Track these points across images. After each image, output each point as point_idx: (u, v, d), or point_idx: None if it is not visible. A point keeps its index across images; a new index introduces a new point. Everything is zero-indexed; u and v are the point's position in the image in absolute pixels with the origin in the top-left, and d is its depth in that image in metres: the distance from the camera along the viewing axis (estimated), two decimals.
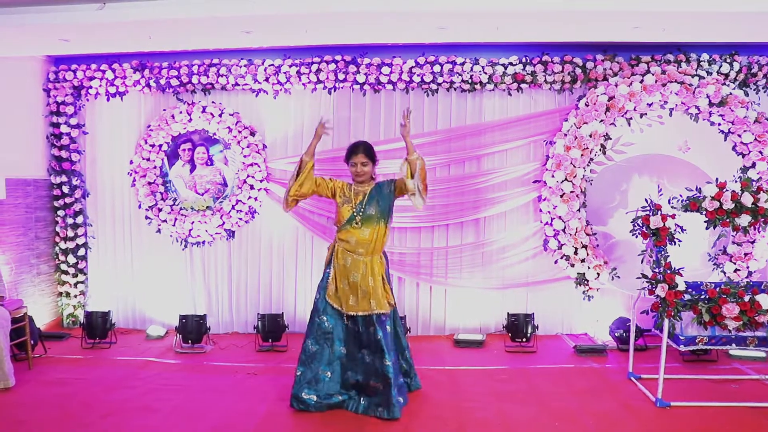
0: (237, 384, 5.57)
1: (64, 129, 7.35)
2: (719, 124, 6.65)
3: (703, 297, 4.92)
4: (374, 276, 4.95)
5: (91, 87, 7.33)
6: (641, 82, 6.49)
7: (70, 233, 7.47)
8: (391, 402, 4.74)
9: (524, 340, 6.66)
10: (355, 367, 4.95)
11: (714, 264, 6.72)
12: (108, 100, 7.41)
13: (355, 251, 4.96)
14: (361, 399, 4.91)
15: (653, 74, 6.49)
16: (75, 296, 7.63)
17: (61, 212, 7.48)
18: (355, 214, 4.97)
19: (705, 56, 6.69)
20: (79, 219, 7.50)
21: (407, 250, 7.20)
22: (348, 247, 4.98)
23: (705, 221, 4.99)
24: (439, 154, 7.04)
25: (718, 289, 4.88)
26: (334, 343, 4.98)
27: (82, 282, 7.63)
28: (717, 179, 4.99)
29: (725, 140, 6.70)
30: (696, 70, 6.57)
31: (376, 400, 4.82)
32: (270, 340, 6.68)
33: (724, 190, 4.86)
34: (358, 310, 4.91)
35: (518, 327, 6.67)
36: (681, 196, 5.13)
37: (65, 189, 7.42)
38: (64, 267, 7.57)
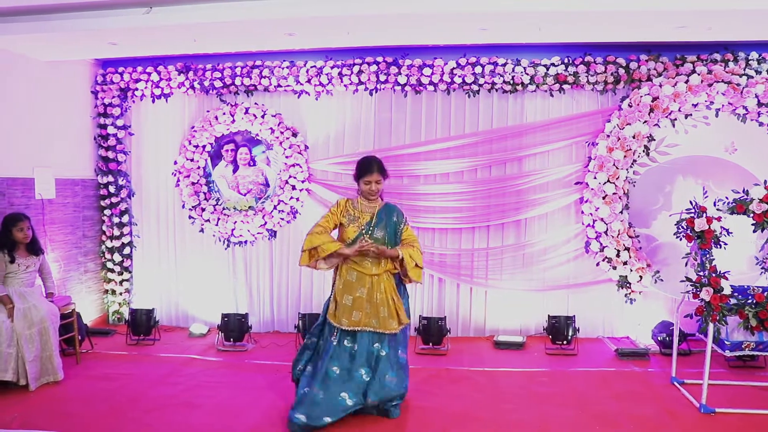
0: (278, 382, 5.63)
1: (111, 130, 7.52)
2: None
3: (750, 301, 4.83)
4: (381, 292, 4.78)
5: (137, 89, 7.49)
6: (686, 82, 6.39)
7: (116, 232, 7.63)
8: (388, 412, 4.75)
9: (565, 342, 6.60)
10: (352, 388, 4.64)
11: (762, 268, 6.55)
12: (153, 101, 7.55)
13: (362, 265, 4.80)
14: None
15: (699, 74, 6.38)
16: (120, 294, 7.79)
17: (107, 211, 7.65)
18: (363, 233, 4.80)
19: (754, 54, 6.53)
20: (125, 218, 7.66)
21: (448, 251, 7.19)
22: (354, 265, 4.82)
23: (752, 224, 4.89)
24: (480, 155, 7.02)
25: (766, 293, 4.79)
26: (331, 363, 4.70)
27: (127, 280, 7.79)
28: (765, 181, 4.87)
29: None
30: (744, 70, 6.41)
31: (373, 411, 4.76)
32: None
33: None
34: (360, 326, 4.73)
35: (559, 329, 6.62)
36: (727, 198, 5.02)
37: (111, 189, 7.59)
38: (110, 265, 7.74)
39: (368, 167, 4.81)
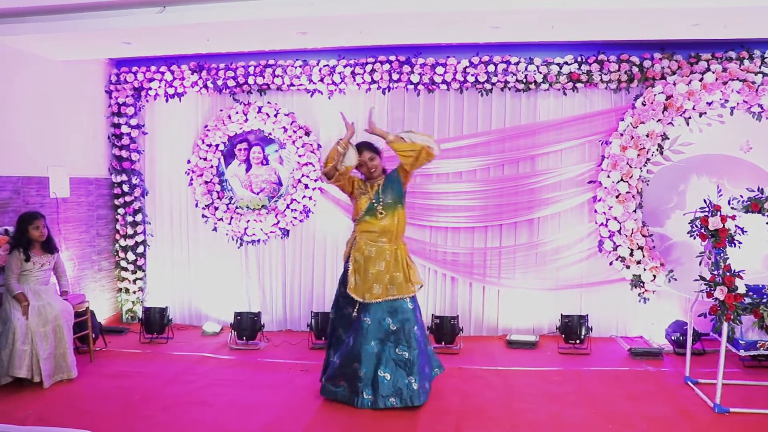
0: (290, 380, 5.65)
1: (124, 129, 7.56)
2: None
3: (765, 300, 4.80)
4: (398, 262, 5.07)
5: (150, 88, 7.52)
6: (701, 80, 6.34)
7: (130, 231, 7.67)
8: (413, 390, 4.86)
9: (578, 341, 6.58)
10: (362, 359, 4.92)
11: None
12: (167, 100, 7.59)
13: (379, 241, 5.07)
14: (365, 392, 4.89)
15: (713, 72, 6.33)
16: (134, 292, 7.83)
17: (121, 210, 7.68)
18: (374, 203, 5.08)
19: None
20: (138, 217, 7.70)
21: (461, 250, 7.18)
22: (371, 237, 5.09)
23: (767, 223, 4.86)
24: (493, 154, 7.00)
25: None
26: (359, 335, 4.98)
27: (140, 278, 7.83)
28: None
29: None
30: (759, 67, 6.34)
31: (383, 391, 4.87)
32: (323, 338, 6.72)
33: None
34: (382, 297, 4.99)
35: (572, 328, 6.60)
36: (742, 196, 5.00)
37: (125, 188, 7.63)
38: (123, 264, 7.78)
39: (358, 149, 5.18)
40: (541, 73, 6.79)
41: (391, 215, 5.07)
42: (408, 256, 5.20)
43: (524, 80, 6.84)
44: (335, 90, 7.21)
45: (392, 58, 6.99)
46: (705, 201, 5.07)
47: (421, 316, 5.27)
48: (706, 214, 4.99)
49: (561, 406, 5.00)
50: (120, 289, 7.88)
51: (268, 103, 7.31)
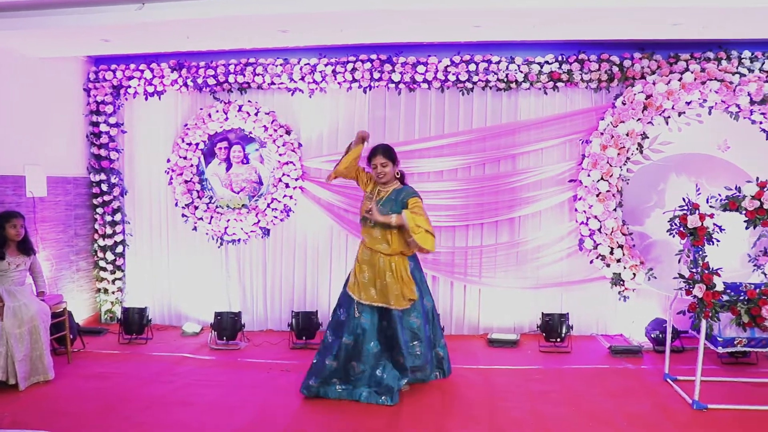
0: (271, 380, 5.61)
1: (103, 128, 7.48)
2: (761, 123, 6.52)
3: (742, 298, 4.84)
4: (392, 272, 5.09)
5: (129, 86, 7.45)
6: (680, 80, 6.39)
7: (109, 230, 7.59)
8: (393, 390, 4.97)
9: (558, 340, 6.60)
10: (362, 358, 5.07)
11: (754, 265, 6.57)
12: (146, 99, 7.52)
13: (374, 246, 5.15)
14: (363, 390, 5.03)
15: (692, 72, 6.38)
16: (113, 292, 7.75)
17: (99, 210, 7.60)
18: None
19: (747, 53, 6.54)
20: (117, 216, 7.62)
21: (441, 249, 7.17)
22: (368, 242, 5.20)
23: (745, 221, 4.89)
24: (474, 153, 7.00)
25: (758, 290, 4.79)
26: (343, 335, 5.11)
27: (119, 278, 7.75)
28: (757, 178, 4.88)
29: (767, 138, 6.56)
30: (737, 68, 6.41)
31: (379, 389, 5.00)
32: (304, 338, 6.72)
33: (765, 189, 4.75)
34: (375, 301, 5.10)
35: (552, 327, 6.62)
36: (720, 195, 5.03)
37: (104, 187, 7.54)
38: (102, 264, 7.70)
39: (373, 152, 5.21)
40: (522, 72, 6.80)
41: (381, 230, 5.13)
42: (405, 270, 5.14)
43: (505, 79, 6.85)
44: (316, 89, 7.18)
45: (373, 56, 6.97)
46: (684, 199, 5.09)
47: (423, 322, 5.22)
48: (685, 212, 5.02)
49: (542, 404, 5.01)
50: (98, 290, 7.80)
51: (249, 101, 7.27)
